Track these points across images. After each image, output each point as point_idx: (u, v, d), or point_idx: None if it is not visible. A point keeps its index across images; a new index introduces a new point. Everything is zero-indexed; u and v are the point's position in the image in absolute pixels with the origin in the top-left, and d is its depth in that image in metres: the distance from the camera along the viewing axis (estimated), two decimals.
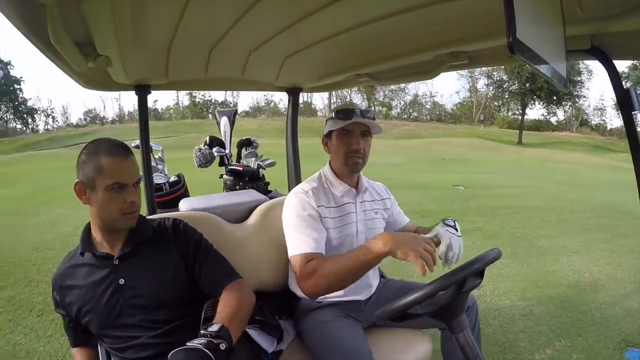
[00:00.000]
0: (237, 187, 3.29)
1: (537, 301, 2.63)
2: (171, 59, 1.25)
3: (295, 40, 1.19)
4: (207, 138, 3.92)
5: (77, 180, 0.96)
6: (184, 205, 1.68)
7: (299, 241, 1.13)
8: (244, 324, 0.99)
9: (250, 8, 0.88)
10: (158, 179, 3.36)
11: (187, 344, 0.77)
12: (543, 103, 30.46)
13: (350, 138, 1.23)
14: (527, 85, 27.55)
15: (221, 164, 3.95)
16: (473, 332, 1.26)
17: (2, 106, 35.57)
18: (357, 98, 38.48)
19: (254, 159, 3.75)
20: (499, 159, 14.91)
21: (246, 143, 3.92)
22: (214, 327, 0.82)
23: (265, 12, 0.92)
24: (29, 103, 38.15)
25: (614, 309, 2.52)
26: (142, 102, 1.58)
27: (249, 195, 1.78)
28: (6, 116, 37.94)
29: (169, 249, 1.05)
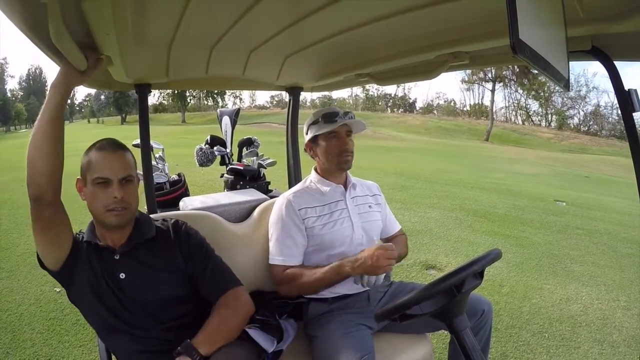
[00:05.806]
0: (238, 186, 3.30)
1: None
2: (172, 58, 1.25)
3: (295, 40, 1.19)
4: (208, 137, 3.93)
5: (77, 177, 0.98)
6: (184, 204, 1.69)
7: (279, 250, 1.29)
8: (234, 334, 1.00)
9: (251, 8, 0.88)
10: (159, 178, 3.36)
11: None
12: None
13: (339, 139, 1.33)
14: None
15: (222, 163, 3.95)
16: (482, 339, 1.23)
17: None
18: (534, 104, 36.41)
19: (254, 158, 3.75)
20: None
21: (247, 142, 3.92)
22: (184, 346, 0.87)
23: (266, 12, 0.91)
24: None
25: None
26: (143, 101, 1.58)
27: (250, 194, 1.78)
28: (200, 95, 46.31)
29: (170, 249, 1.05)
